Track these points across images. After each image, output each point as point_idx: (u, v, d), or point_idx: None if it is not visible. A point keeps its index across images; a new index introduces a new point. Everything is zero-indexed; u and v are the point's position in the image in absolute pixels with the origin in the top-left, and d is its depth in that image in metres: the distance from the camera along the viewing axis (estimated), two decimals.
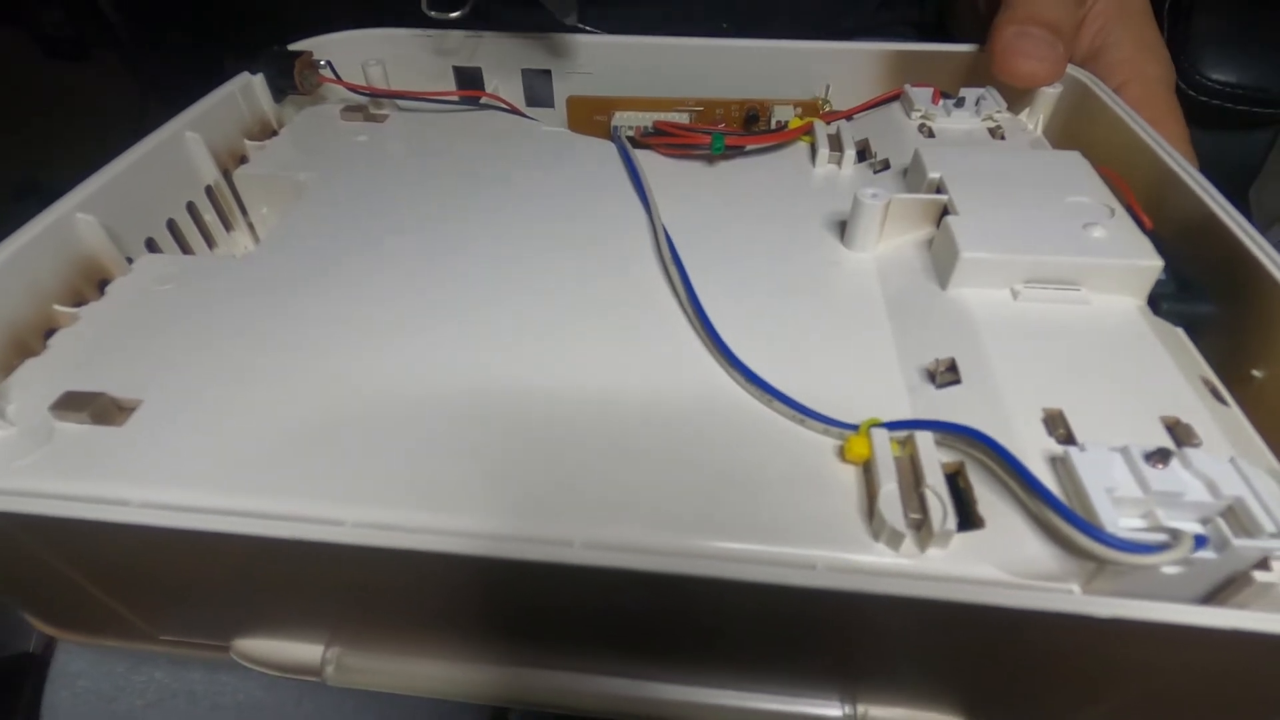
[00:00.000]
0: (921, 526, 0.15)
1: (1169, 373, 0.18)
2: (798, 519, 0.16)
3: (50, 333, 0.21)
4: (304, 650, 0.19)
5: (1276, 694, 0.15)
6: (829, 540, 0.16)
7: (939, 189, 0.23)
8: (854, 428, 0.17)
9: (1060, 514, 0.14)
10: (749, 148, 0.29)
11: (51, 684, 0.25)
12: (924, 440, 0.17)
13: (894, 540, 0.15)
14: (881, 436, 0.17)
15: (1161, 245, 0.21)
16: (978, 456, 0.16)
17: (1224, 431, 0.17)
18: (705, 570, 0.14)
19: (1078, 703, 0.17)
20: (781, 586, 0.14)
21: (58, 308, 0.21)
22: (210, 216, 0.28)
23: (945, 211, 0.22)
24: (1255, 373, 0.20)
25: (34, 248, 0.21)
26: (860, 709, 0.17)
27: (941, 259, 0.21)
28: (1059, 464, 0.16)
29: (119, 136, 0.26)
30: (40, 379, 0.19)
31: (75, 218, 0.22)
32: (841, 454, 0.17)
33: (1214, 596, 0.15)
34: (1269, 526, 0.14)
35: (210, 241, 0.28)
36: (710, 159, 0.29)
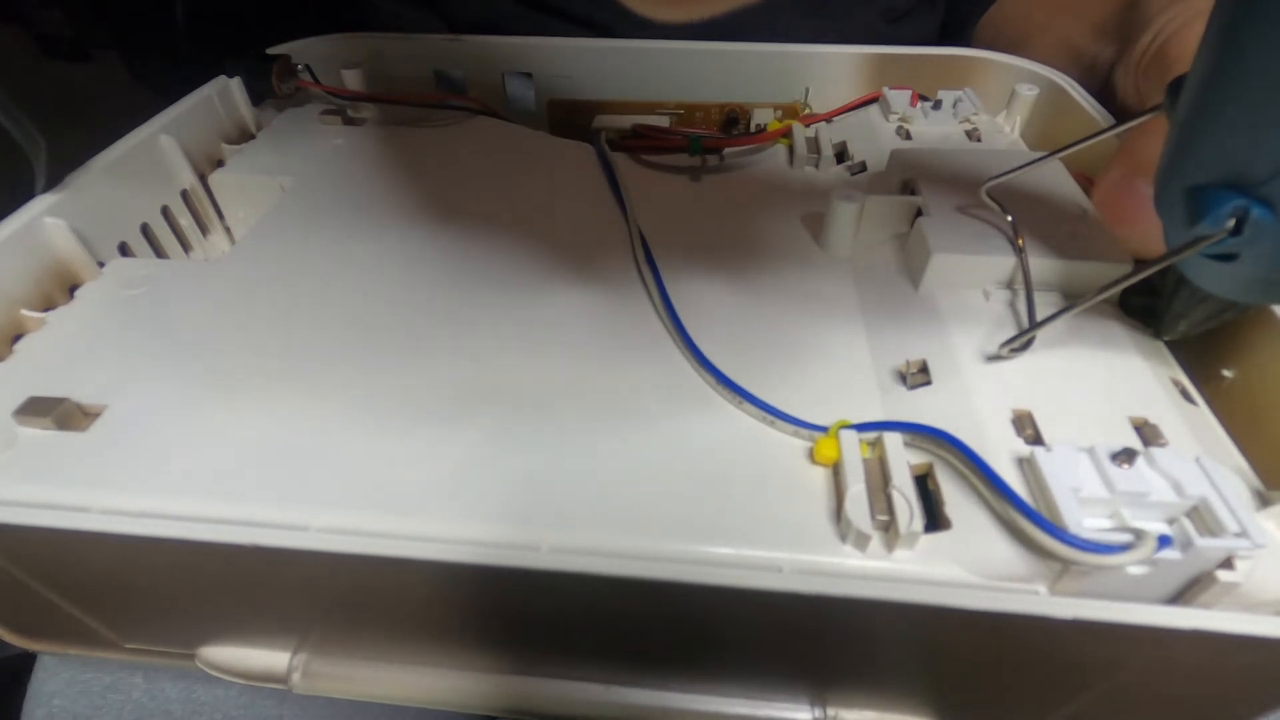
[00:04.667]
0: (889, 528, 0.15)
1: (1138, 373, 0.18)
2: (766, 521, 0.16)
3: (18, 338, 0.21)
4: (271, 658, 0.19)
5: (1243, 691, 0.15)
6: (796, 542, 0.15)
7: (913, 191, 0.23)
8: (824, 429, 0.17)
9: (1024, 514, 0.14)
10: (727, 150, 0.29)
11: (28, 704, 0.25)
12: (892, 441, 0.16)
13: (861, 542, 0.15)
14: (850, 438, 0.17)
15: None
16: (945, 457, 0.16)
17: (1192, 431, 0.17)
18: (669, 574, 0.14)
19: (1048, 701, 0.17)
20: (745, 590, 0.14)
21: (25, 312, 0.21)
22: (186, 221, 0.28)
23: (919, 213, 0.22)
24: (1225, 372, 0.20)
25: (0, 253, 0.21)
26: (830, 712, 0.17)
27: (914, 260, 0.21)
28: (1025, 465, 0.16)
29: (118, 137, 0.26)
30: (4, 385, 0.19)
31: (44, 222, 0.22)
32: (811, 456, 0.17)
33: (1181, 596, 0.15)
34: (1232, 526, 0.14)
35: (186, 246, 0.28)
36: (688, 162, 0.29)
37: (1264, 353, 0.19)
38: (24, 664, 0.25)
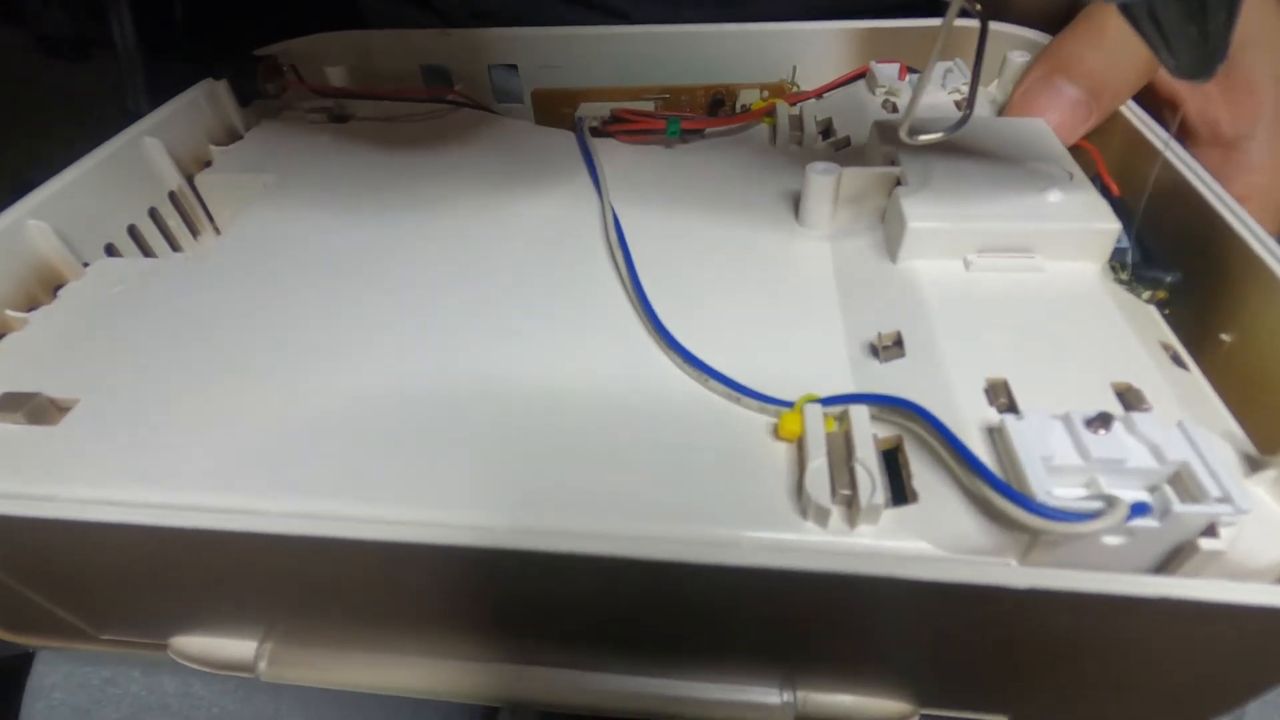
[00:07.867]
0: (851, 502, 0.15)
1: (1124, 339, 0.17)
2: (728, 500, 0.15)
3: (0, 337, 0.21)
4: (238, 646, 0.19)
5: (1236, 670, 0.14)
6: (758, 520, 0.15)
7: (894, 162, 0.23)
8: (790, 404, 0.17)
9: (988, 482, 0.13)
10: (709, 131, 0.28)
11: (28, 697, 0.25)
12: (859, 415, 0.16)
13: (821, 517, 0.14)
14: (815, 412, 0.16)
15: (1130, 213, 0.20)
16: (914, 429, 0.16)
17: (1178, 396, 0.16)
18: (620, 550, 0.13)
19: (1026, 681, 0.16)
20: (697, 565, 0.13)
21: (8, 312, 0.22)
22: (174, 222, 0.28)
23: (898, 183, 0.22)
24: (1224, 336, 0.19)
25: None
26: (800, 695, 0.17)
27: (891, 231, 0.21)
28: (995, 433, 0.15)
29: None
30: None
31: (26, 224, 0.22)
32: (776, 432, 0.17)
33: (1164, 566, 0.14)
34: (1214, 491, 0.13)
35: (175, 247, 0.28)
36: (669, 144, 0.28)
37: (1263, 316, 0.18)
38: (24, 659, 0.26)
